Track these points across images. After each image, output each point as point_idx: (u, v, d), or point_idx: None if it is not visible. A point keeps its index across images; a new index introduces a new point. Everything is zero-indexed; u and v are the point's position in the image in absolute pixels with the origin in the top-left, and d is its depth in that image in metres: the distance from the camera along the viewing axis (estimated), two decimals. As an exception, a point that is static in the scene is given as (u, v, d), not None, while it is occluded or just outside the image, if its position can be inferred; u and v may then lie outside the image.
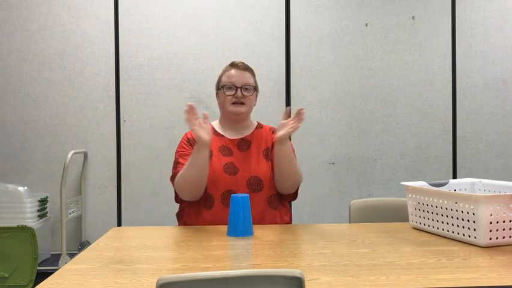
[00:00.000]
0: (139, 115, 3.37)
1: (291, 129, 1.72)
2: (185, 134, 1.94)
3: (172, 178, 1.85)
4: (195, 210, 1.82)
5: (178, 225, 1.91)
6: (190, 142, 1.89)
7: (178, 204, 1.93)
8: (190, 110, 1.67)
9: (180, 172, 1.77)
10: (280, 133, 1.74)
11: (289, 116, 1.78)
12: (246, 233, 1.57)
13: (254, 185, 1.82)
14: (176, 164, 1.86)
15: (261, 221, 1.79)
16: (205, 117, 1.70)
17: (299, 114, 1.72)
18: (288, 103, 3.42)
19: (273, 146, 1.88)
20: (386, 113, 3.49)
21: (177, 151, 1.90)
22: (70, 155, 3.03)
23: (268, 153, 1.91)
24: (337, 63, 3.47)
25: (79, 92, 3.35)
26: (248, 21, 3.43)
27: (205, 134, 1.67)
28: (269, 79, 3.40)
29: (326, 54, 3.46)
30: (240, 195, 1.61)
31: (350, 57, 3.48)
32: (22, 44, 3.32)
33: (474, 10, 3.53)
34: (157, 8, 3.38)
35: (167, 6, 3.38)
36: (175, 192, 1.86)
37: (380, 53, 3.49)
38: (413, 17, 3.51)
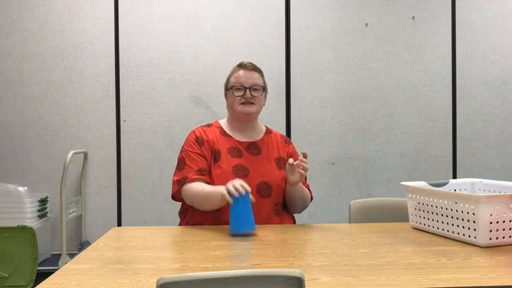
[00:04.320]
0: (139, 115, 3.37)
1: (300, 175, 1.72)
2: (193, 132, 1.91)
3: (178, 182, 1.79)
4: (202, 211, 1.78)
5: (180, 223, 1.89)
6: (198, 141, 1.85)
7: (179, 203, 1.90)
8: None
9: (193, 192, 1.74)
10: (293, 179, 1.74)
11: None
12: (248, 227, 1.56)
13: (263, 190, 1.80)
14: (183, 165, 1.81)
15: None
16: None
17: (303, 162, 1.71)
18: (288, 103, 3.42)
19: (287, 157, 1.89)
20: (386, 113, 3.49)
21: (184, 149, 1.86)
22: (70, 155, 3.03)
23: (281, 162, 1.89)
24: (337, 63, 3.47)
25: (79, 92, 3.35)
26: (248, 21, 3.42)
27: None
28: (269, 79, 3.36)
29: (326, 54, 3.46)
30: None
31: (350, 57, 3.47)
32: (22, 44, 3.32)
33: (474, 10, 3.53)
34: (157, 8, 3.38)
35: (167, 6, 3.38)
36: (174, 192, 1.82)
37: (380, 53, 3.49)
38: (413, 17, 3.51)
